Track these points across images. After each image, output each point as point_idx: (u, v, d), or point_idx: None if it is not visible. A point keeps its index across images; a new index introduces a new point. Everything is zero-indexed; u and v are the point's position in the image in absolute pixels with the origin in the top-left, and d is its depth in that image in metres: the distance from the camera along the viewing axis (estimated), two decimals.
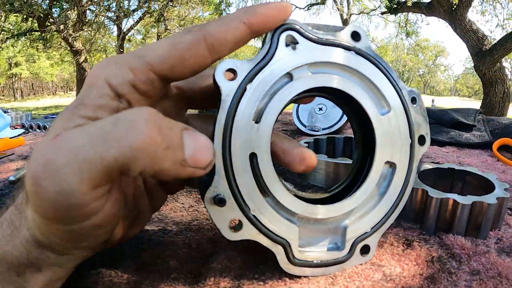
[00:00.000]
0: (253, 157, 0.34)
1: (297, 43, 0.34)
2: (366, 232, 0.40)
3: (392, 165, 0.40)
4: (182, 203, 0.60)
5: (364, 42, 0.37)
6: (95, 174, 0.24)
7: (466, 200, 0.46)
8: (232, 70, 0.33)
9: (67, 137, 0.25)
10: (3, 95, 29.73)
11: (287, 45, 0.34)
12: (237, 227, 0.35)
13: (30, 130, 1.52)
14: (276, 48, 0.34)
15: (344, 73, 0.37)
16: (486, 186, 0.55)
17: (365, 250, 0.40)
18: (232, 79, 0.33)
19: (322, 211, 0.38)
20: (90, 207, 0.26)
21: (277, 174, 0.36)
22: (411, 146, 0.40)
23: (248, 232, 0.35)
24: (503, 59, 6.02)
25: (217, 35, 0.31)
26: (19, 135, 1.40)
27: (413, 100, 0.40)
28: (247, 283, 0.36)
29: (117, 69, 0.30)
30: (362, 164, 0.42)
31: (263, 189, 0.35)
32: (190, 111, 0.42)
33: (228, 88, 0.32)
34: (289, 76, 0.35)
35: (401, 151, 0.40)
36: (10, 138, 1.26)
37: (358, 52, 0.37)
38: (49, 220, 0.26)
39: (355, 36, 0.37)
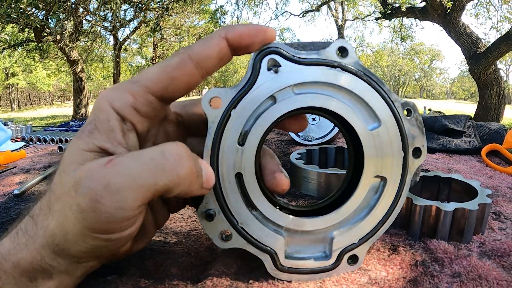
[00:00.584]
0: (239, 176, 0.38)
1: (280, 66, 0.36)
2: (353, 243, 0.41)
3: (382, 179, 0.41)
4: (181, 214, 0.62)
5: (351, 57, 0.37)
6: (147, 195, 0.30)
7: (449, 207, 0.48)
8: (217, 99, 0.36)
9: (122, 163, 0.30)
10: (0, 106, 29.65)
11: (269, 69, 0.36)
12: (228, 237, 0.39)
13: (31, 142, 1.54)
14: (259, 73, 0.36)
15: (330, 91, 0.38)
16: (471, 192, 0.57)
17: (353, 259, 0.42)
18: (218, 107, 0.36)
19: (308, 224, 0.40)
20: (133, 219, 0.32)
21: (262, 190, 0.39)
22: (405, 159, 0.40)
23: (237, 242, 0.39)
24: (498, 61, 6.04)
25: (201, 53, 0.35)
26: (20, 148, 1.42)
27: (408, 112, 0.40)
28: (242, 286, 0.39)
29: (118, 93, 0.35)
30: (353, 177, 0.43)
31: (250, 204, 0.39)
32: None
33: (213, 115, 0.36)
34: (273, 99, 0.37)
35: (393, 164, 0.40)
36: (12, 151, 1.27)
37: (345, 69, 0.37)
38: (94, 231, 0.31)
39: (342, 51, 0.37)
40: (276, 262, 0.40)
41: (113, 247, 0.33)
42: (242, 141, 0.37)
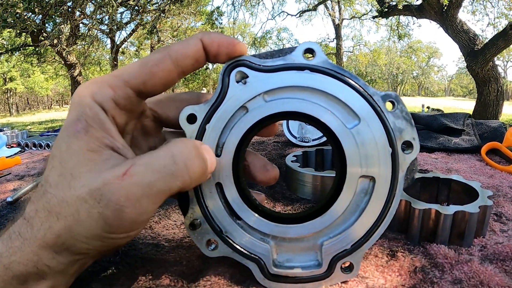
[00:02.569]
0: (219, 186, 0.39)
1: (247, 77, 0.37)
2: (345, 250, 0.39)
3: (371, 179, 0.38)
4: (174, 220, 0.61)
5: (319, 57, 0.37)
6: (163, 198, 0.34)
7: (448, 210, 0.47)
8: (192, 115, 0.38)
9: (138, 174, 0.32)
10: None
11: (238, 81, 0.37)
12: (214, 246, 0.40)
13: (26, 148, 1.53)
14: (228, 86, 0.37)
15: (302, 94, 0.37)
16: (471, 193, 0.56)
17: (349, 267, 0.40)
18: (194, 122, 0.38)
19: (293, 231, 0.40)
20: (150, 217, 0.35)
21: (245, 199, 0.39)
22: (393, 155, 0.37)
23: (223, 251, 0.40)
24: (495, 58, 6.04)
25: (180, 51, 0.36)
26: (15, 154, 1.40)
27: (391, 105, 0.38)
28: None
29: (98, 87, 0.35)
30: (340, 180, 0.40)
31: (233, 214, 0.40)
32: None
33: (190, 131, 0.38)
34: (245, 109, 0.37)
35: (380, 162, 0.37)
36: (7, 157, 1.26)
37: (313, 69, 0.37)
38: (114, 233, 0.33)
39: (310, 52, 0.37)
40: (264, 270, 0.39)
41: (124, 242, 0.36)
42: (219, 153, 0.38)
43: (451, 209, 0.47)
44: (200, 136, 0.38)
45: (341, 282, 0.40)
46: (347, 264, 0.40)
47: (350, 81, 0.37)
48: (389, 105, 0.37)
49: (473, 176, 0.83)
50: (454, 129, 1.17)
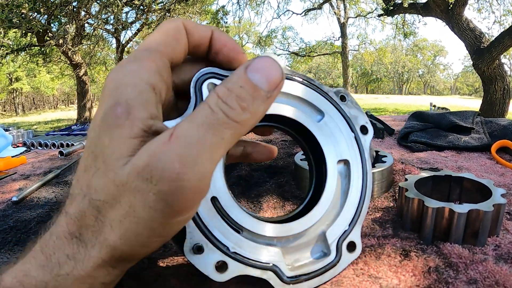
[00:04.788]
0: (215, 200, 0.37)
1: (216, 85, 0.36)
2: (346, 230, 0.42)
3: (345, 162, 0.43)
4: None
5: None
6: (220, 152, 0.29)
7: (462, 208, 0.46)
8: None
9: (184, 133, 0.27)
10: (5, 111, 29.85)
11: (209, 90, 0.36)
12: (224, 267, 0.36)
13: (32, 148, 1.53)
14: (202, 98, 0.36)
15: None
16: (484, 191, 0.55)
17: (352, 247, 0.42)
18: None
19: (295, 227, 0.40)
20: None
21: (245, 211, 0.38)
22: (356, 138, 0.43)
23: (236, 269, 0.36)
24: (502, 56, 6.01)
25: (192, 25, 0.35)
26: (21, 153, 1.41)
27: (342, 98, 0.44)
28: None
29: (139, 63, 0.31)
30: (319, 170, 0.45)
31: (235, 225, 0.37)
32: None
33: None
34: None
35: (349, 146, 0.43)
36: (12, 157, 1.27)
37: None
38: (178, 213, 0.28)
39: None
40: (281, 276, 0.37)
41: (182, 226, 0.32)
42: None
43: (465, 208, 0.46)
44: None
45: (356, 282, 0.40)
46: (350, 245, 0.42)
47: (307, 83, 0.42)
48: (341, 99, 0.44)
49: (484, 175, 0.82)
50: (463, 127, 1.16)
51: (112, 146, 0.28)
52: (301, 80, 0.41)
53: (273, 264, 0.37)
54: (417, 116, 1.40)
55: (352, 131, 0.43)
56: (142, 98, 0.29)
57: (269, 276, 0.37)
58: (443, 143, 1.08)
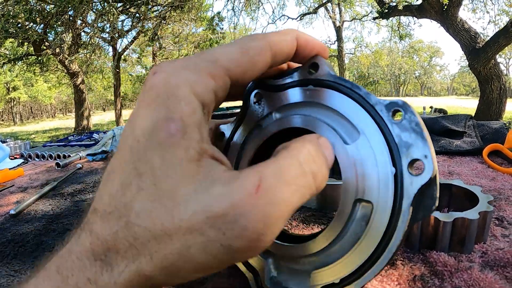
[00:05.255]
0: None
1: (262, 97, 0.38)
2: (334, 283, 0.33)
3: (367, 204, 0.32)
4: None
5: (322, 70, 0.34)
6: (291, 214, 0.25)
7: (448, 217, 0.47)
8: (222, 133, 0.41)
9: (273, 189, 0.24)
10: (3, 120, 29.82)
11: (255, 102, 0.39)
12: None
13: (29, 159, 1.54)
14: (248, 107, 0.39)
15: (309, 109, 0.36)
16: (472, 197, 0.56)
17: None
18: (222, 139, 0.41)
19: (286, 250, 0.37)
20: None
21: None
22: (397, 176, 0.30)
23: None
24: (498, 55, 6.03)
25: (279, 45, 0.31)
26: (18, 165, 1.41)
27: (397, 115, 0.31)
28: None
29: (197, 76, 0.27)
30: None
31: None
32: None
33: (220, 146, 0.40)
34: (259, 126, 0.39)
35: (380, 184, 0.31)
36: (10, 169, 1.27)
37: (317, 83, 0.35)
38: (234, 262, 0.25)
39: (314, 67, 0.35)
40: (258, 282, 0.39)
41: None
42: (235, 167, 0.40)
43: (450, 216, 0.47)
44: (225, 151, 0.40)
45: None
46: None
47: (351, 91, 0.33)
48: (394, 115, 0.31)
49: (474, 179, 0.83)
50: (455, 131, 1.17)
51: (166, 169, 0.24)
52: (343, 88, 0.33)
53: (256, 270, 0.40)
54: None
55: (394, 164, 0.30)
56: (195, 118, 0.26)
57: (249, 276, 0.40)
58: (435, 148, 1.09)
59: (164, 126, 0.24)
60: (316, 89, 0.35)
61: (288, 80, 0.37)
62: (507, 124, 1.22)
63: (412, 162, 0.29)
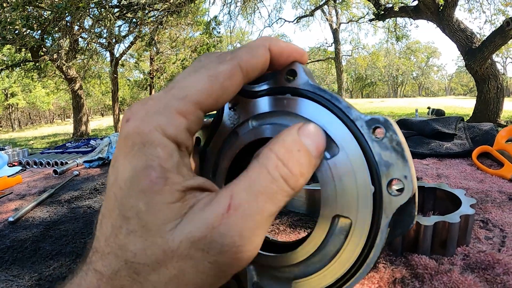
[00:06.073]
0: None
1: (238, 103, 0.37)
2: None
3: (348, 219, 0.31)
4: None
5: (300, 78, 0.34)
6: (273, 218, 0.27)
7: (429, 221, 0.49)
8: (198, 138, 0.39)
9: (243, 204, 0.26)
10: (1, 126, 29.76)
11: (230, 108, 0.37)
12: None
13: (27, 166, 1.55)
14: (222, 113, 0.38)
15: (287, 119, 0.35)
16: (456, 201, 0.57)
17: None
18: (199, 145, 0.39)
19: (267, 258, 0.37)
20: None
21: None
22: (376, 195, 0.30)
23: None
24: (494, 55, 6.04)
25: (250, 62, 0.31)
26: (16, 173, 1.43)
27: (377, 132, 0.30)
28: None
29: (168, 117, 0.28)
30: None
31: None
32: None
33: (198, 151, 0.39)
34: (235, 134, 0.38)
35: (359, 202, 0.30)
36: (8, 176, 1.29)
37: (295, 93, 0.34)
38: (227, 275, 0.27)
39: (291, 74, 0.34)
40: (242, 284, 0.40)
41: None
42: (213, 173, 0.39)
43: (431, 220, 0.49)
44: (202, 158, 0.39)
45: None
46: None
47: (330, 104, 0.32)
48: (375, 133, 0.30)
49: (462, 182, 0.85)
50: (446, 133, 1.18)
51: (152, 213, 0.26)
52: (322, 100, 0.32)
53: (239, 278, 0.39)
54: (401, 123, 1.43)
55: (373, 183, 0.29)
56: (173, 161, 0.27)
57: (232, 285, 0.40)
58: (425, 151, 1.10)
59: (145, 174, 0.26)
60: (294, 99, 0.34)
61: (265, 87, 0.36)
62: (497, 126, 1.23)
63: (391, 182, 0.29)
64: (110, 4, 7.41)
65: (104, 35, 8.75)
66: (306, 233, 0.53)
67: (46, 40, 8.34)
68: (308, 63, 0.34)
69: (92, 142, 2.12)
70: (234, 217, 0.25)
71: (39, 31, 7.67)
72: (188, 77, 0.30)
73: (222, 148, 0.39)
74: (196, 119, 0.29)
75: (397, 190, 0.28)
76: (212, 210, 0.26)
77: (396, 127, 0.29)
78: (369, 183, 0.29)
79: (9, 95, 24.98)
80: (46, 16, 7.31)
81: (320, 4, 13.86)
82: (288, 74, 0.35)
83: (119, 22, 8.90)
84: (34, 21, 7.03)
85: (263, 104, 0.36)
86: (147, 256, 0.26)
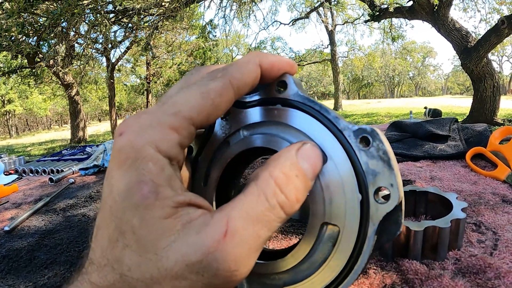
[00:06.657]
0: None
1: (229, 113, 0.37)
2: None
3: (336, 227, 0.32)
4: None
5: (290, 89, 0.35)
6: (265, 242, 0.27)
7: (419, 226, 0.49)
8: (190, 147, 0.39)
9: (239, 230, 0.26)
10: None
11: (221, 118, 0.38)
12: None
13: (24, 175, 1.55)
14: (214, 123, 0.38)
15: (277, 130, 0.36)
16: (448, 204, 0.57)
17: None
18: (191, 154, 0.39)
19: (257, 266, 0.35)
20: None
21: None
22: (363, 203, 0.30)
23: None
24: (490, 53, 6.06)
25: (241, 79, 0.32)
26: (13, 181, 1.42)
27: (365, 142, 0.31)
28: None
29: (160, 133, 0.28)
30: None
31: None
32: None
33: (189, 160, 0.39)
34: (227, 143, 0.38)
35: (346, 210, 0.31)
36: (4, 185, 1.28)
37: (284, 103, 0.35)
38: None
39: (282, 85, 0.35)
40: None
41: None
42: (204, 182, 0.39)
43: (421, 225, 0.49)
44: (194, 167, 0.39)
45: None
46: None
47: (319, 114, 0.33)
48: (362, 142, 0.31)
49: (456, 184, 0.85)
50: (440, 135, 1.18)
51: (145, 228, 0.26)
52: (310, 110, 0.33)
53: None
54: (396, 126, 1.43)
55: (360, 191, 0.30)
56: (165, 175, 0.28)
57: None
58: (418, 153, 1.11)
59: (138, 189, 0.26)
60: (284, 109, 0.35)
61: (256, 97, 0.37)
62: (491, 127, 1.24)
63: (378, 190, 0.29)
64: (105, 9, 7.41)
65: (100, 41, 8.76)
66: (298, 239, 0.53)
67: (42, 47, 8.34)
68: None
69: (88, 149, 2.12)
70: (231, 244, 0.26)
71: (35, 38, 7.67)
72: (180, 92, 0.31)
73: (213, 157, 0.39)
74: (188, 134, 0.30)
75: (383, 198, 0.29)
76: (209, 235, 0.26)
77: (382, 137, 0.29)
78: (356, 191, 0.30)
79: (6, 102, 24.95)
80: (41, 23, 7.31)
81: (316, 6, 13.89)
82: (278, 85, 0.35)
83: (115, 27, 8.92)
84: (29, 28, 7.03)
85: (254, 114, 0.37)
86: (141, 272, 0.26)
